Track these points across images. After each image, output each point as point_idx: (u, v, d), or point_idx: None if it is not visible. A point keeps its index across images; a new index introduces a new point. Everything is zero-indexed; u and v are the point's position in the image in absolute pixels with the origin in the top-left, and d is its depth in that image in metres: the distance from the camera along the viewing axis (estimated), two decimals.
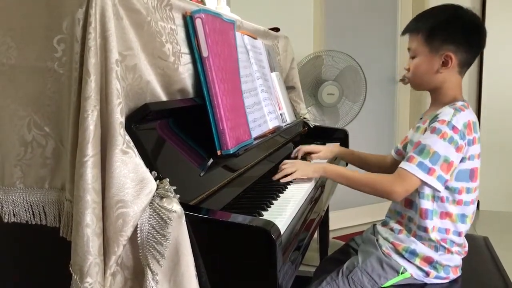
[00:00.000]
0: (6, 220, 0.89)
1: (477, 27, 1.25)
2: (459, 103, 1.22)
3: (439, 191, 1.20)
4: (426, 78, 1.28)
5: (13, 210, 0.89)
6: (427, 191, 1.22)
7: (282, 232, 0.90)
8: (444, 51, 1.23)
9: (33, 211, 0.88)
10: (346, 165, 1.82)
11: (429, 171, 1.16)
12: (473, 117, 1.22)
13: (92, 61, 0.76)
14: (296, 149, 1.70)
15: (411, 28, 1.31)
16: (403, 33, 1.34)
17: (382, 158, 1.59)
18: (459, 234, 1.26)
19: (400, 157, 1.47)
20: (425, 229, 1.23)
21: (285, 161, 1.44)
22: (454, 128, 1.16)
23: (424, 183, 1.18)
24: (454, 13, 1.26)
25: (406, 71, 1.34)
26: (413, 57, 1.30)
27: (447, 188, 1.21)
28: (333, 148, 1.70)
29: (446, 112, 1.19)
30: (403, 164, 1.19)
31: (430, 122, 1.22)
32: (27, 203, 0.88)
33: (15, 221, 0.89)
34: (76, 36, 0.79)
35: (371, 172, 1.54)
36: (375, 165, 1.58)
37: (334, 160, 1.75)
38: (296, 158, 1.66)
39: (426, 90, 1.33)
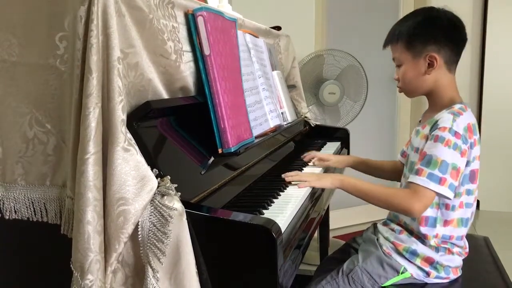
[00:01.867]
0: (7, 217, 0.89)
1: (454, 23, 1.24)
2: (457, 106, 1.22)
3: (450, 199, 1.17)
4: (416, 83, 1.28)
5: (14, 207, 0.89)
6: None
7: (282, 231, 0.90)
8: (427, 53, 1.23)
9: (34, 208, 0.88)
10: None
11: (440, 181, 1.13)
12: (472, 119, 1.22)
13: (94, 59, 0.76)
14: (308, 153, 1.66)
15: (390, 39, 1.31)
16: (384, 46, 1.34)
17: (393, 164, 1.57)
18: (461, 238, 1.26)
19: (404, 159, 1.46)
20: (424, 236, 1.23)
21: (296, 172, 1.39)
22: (456, 133, 1.15)
23: (437, 194, 1.15)
24: (428, 14, 1.26)
25: (397, 82, 1.34)
26: (399, 66, 1.30)
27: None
28: (344, 158, 1.67)
29: (445, 119, 1.18)
30: (413, 178, 1.16)
31: (431, 130, 1.20)
32: (28, 200, 0.88)
33: (16, 218, 0.89)
34: (78, 33, 0.79)
35: (386, 179, 1.53)
36: (390, 171, 1.56)
37: (343, 169, 1.74)
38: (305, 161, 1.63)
39: (421, 95, 1.33)
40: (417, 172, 1.16)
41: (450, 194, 1.15)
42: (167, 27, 1.00)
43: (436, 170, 1.14)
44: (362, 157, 1.68)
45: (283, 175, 1.35)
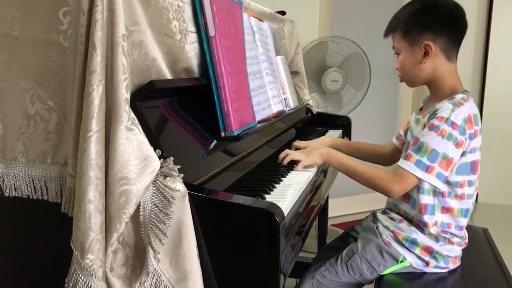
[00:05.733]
0: (7, 194, 0.88)
1: (451, 11, 1.23)
2: (458, 96, 1.20)
3: (439, 188, 1.19)
4: (414, 72, 1.28)
5: (14, 184, 0.87)
6: (427, 186, 1.21)
7: (285, 215, 0.89)
8: (423, 41, 1.22)
9: (34, 186, 0.87)
10: None
11: (428, 169, 1.15)
12: (474, 110, 1.20)
13: (99, 35, 0.74)
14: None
15: (389, 28, 1.31)
16: (385, 35, 1.34)
17: (379, 147, 1.58)
18: (461, 228, 1.26)
19: (400, 142, 1.47)
20: (424, 224, 1.23)
21: (287, 150, 1.42)
22: (453, 124, 1.14)
23: (423, 181, 1.17)
24: (425, 2, 1.25)
25: (398, 71, 1.33)
26: (398, 55, 1.30)
27: (447, 183, 1.20)
28: (324, 140, 1.64)
29: (445, 108, 1.17)
30: (401, 163, 1.19)
31: (429, 118, 1.20)
32: (28, 177, 0.87)
33: (16, 195, 0.88)
34: (82, 9, 0.77)
35: (367, 161, 1.53)
36: (371, 154, 1.57)
37: None
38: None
39: (422, 85, 1.32)
40: (406, 157, 1.18)
41: (437, 183, 1.16)
42: (173, 6, 0.98)
43: (425, 158, 1.15)
44: (345, 140, 1.68)
45: (279, 160, 1.38)
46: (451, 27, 1.23)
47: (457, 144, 1.15)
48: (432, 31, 1.22)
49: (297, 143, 1.57)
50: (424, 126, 1.21)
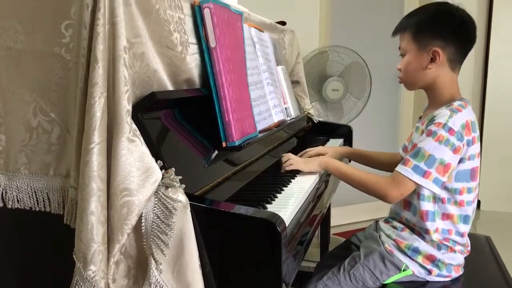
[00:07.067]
0: (9, 206, 0.88)
1: (464, 22, 1.24)
2: (456, 103, 1.21)
3: (437, 193, 1.19)
4: (416, 75, 1.28)
5: (17, 196, 0.88)
6: (427, 192, 1.21)
7: (286, 225, 0.89)
8: (432, 47, 1.23)
9: (37, 198, 0.87)
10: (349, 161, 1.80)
11: (425, 174, 1.15)
12: (472, 117, 1.21)
13: (100, 48, 0.75)
14: (302, 152, 1.65)
15: (400, 27, 1.31)
16: (393, 34, 1.34)
17: (391, 155, 1.58)
18: (462, 235, 1.25)
19: (405, 154, 1.47)
20: (426, 231, 1.23)
21: (289, 154, 1.44)
22: (450, 130, 1.15)
23: (420, 186, 1.18)
24: (440, 9, 1.26)
25: (399, 71, 1.33)
26: (403, 56, 1.31)
27: (447, 189, 1.21)
28: (339, 149, 1.68)
29: (442, 114, 1.18)
30: (399, 168, 1.19)
31: (427, 124, 1.21)
32: (31, 189, 0.87)
33: (19, 207, 0.88)
34: (84, 22, 0.78)
35: (383, 170, 1.53)
36: (385, 163, 1.57)
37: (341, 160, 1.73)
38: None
39: (420, 89, 1.33)
40: (404, 163, 1.19)
41: (435, 188, 1.16)
42: (174, 18, 0.99)
43: (422, 163, 1.16)
44: (358, 148, 1.69)
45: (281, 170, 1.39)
46: (462, 37, 1.24)
47: (455, 150, 1.15)
48: (443, 38, 1.22)
49: (314, 149, 1.59)
50: (423, 133, 1.21)
